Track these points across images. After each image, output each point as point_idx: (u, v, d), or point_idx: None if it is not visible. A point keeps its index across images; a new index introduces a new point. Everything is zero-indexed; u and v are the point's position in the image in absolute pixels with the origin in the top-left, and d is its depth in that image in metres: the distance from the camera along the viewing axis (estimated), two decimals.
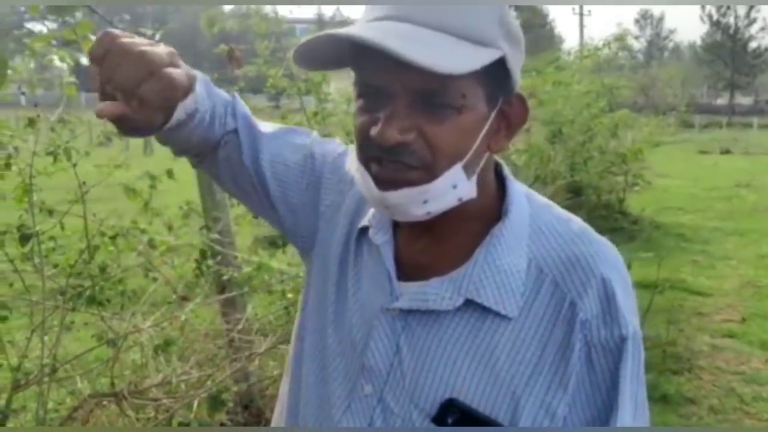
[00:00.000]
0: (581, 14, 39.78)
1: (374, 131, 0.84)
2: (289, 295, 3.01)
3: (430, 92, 0.82)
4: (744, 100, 65.55)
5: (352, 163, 0.94)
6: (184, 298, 3.10)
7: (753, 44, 64.42)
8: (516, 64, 0.89)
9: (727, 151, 25.48)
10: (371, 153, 0.87)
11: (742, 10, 63.15)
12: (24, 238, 2.52)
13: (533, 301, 0.89)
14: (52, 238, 2.61)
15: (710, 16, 64.08)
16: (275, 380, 3.31)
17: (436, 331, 0.91)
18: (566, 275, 0.89)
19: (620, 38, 8.77)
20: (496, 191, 0.96)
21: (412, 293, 0.92)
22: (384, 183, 0.86)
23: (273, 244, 3.29)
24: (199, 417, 2.83)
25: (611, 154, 9.18)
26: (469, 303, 0.90)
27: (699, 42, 71.17)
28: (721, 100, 63.98)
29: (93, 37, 2.00)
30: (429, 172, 0.85)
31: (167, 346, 2.69)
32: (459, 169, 0.86)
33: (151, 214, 3.01)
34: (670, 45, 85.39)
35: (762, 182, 14.83)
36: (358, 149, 0.90)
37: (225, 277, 3.04)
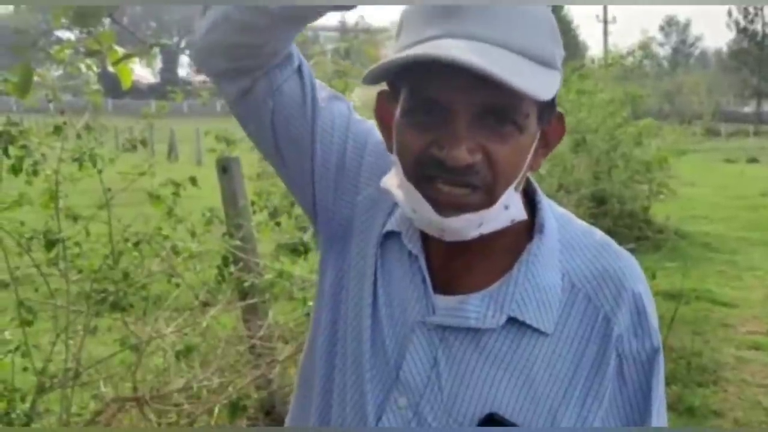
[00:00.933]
0: (605, 21, 39.51)
1: (441, 153, 0.81)
2: (311, 303, 3.02)
3: (498, 109, 0.81)
4: None
5: (391, 179, 0.91)
6: (206, 304, 3.12)
7: None
8: (559, 81, 0.88)
9: (753, 160, 25.15)
10: (431, 172, 0.83)
11: None
12: (50, 244, 2.56)
13: (568, 316, 0.91)
14: (77, 243, 2.65)
15: (737, 23, 63.41)
16: None
17: (475, 346, 0.91)
18: (598, 289, 0.91)
19: (645, 46, 8.73)
20: (525, 205, 0.95)
21: (452, 309, 0.92)
22: (445, 207, 0.83)
23: (295, 251, 3.30)
24: (220, 423, 2.84)
25: (635, 163, 9.10)
26: (509, 320, 0.90)
27: (725, 49, 70.51)
28: (748, 108, 63.21)
29: (117, 47, 2.04)
30: (490, 194, 0.84)
31: (189, 352, 2.71)
32: (512, 191, 0.86)
33: (175, 220, 3.04)
34: (696, 52, 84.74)
35: None
36: (410, 168, 0.86)
37: (247, 284, 3.06)
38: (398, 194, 0.89)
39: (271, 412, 3.33)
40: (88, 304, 2.60)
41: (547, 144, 0.92)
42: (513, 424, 0.89)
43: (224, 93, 1.02)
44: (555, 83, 0.83)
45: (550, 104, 0.88)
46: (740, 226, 10.50)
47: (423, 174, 0.84)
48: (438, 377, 0.91)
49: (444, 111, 0.81)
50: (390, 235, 0.99)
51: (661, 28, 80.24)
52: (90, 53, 2.32)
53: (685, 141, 11.47)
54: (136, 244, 2.68)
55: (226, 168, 3.48)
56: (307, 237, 3.33)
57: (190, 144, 20.47)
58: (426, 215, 0.85)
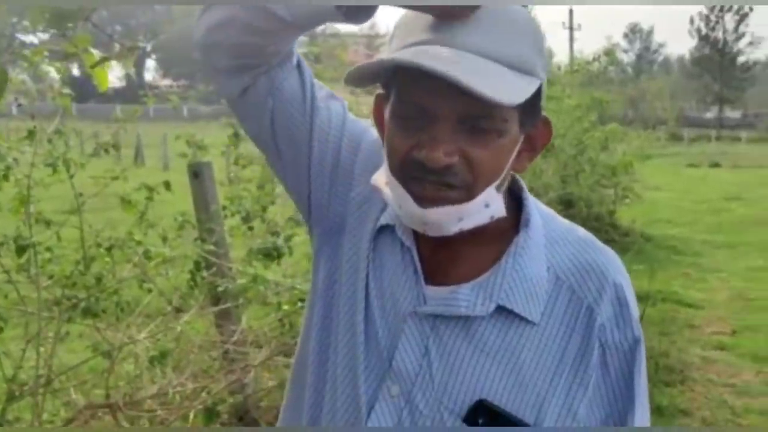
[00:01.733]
0: (571, 28, 39.99)
1: (420, 154, 0.86)
2: (285, 307, 3.02)
3: (477, 116, 0.85)
4: (733, 113, 66.06)
5: (380, 177, 0.95)
6: (179, 310, 3.10)
7: (741, 58, 65.05)
8: (545, 88, 0.93)
9: (716, 165, 25.68)
10: (412, 173, 0.88)
11: (730, 25, 63.81)
12: (20, 249, 2.53)
13: (553, 307, 0.95)
14: (48, 249, 2.61)
15: (699, 30, 64.65)
16: (270, 392, 3.31)
17: (465, 334, 0.94)
18: (582, 282, 0.96)
19: (610, 52, 8.87)
20: (510, 202, 1.00)
21: (442, 299, 0.95)
22: (425, 201, 0.88)
23: (268, 255, 3.29)
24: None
25: (602, 167, 9.25)
26: (498, 309, 0.93)
27: (687, 56, 71.88)
28: (710, 114, 64.47)
29: (93, 50, 2.03)
30: (468, 192, 0.88)
31: (163, 357, 2.69)
32: (493, 190, 0.90)
33: (146, 225, 3.01)
34: (659, 59, 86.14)
35: (750, 196, 14.96)
36: (395, 167, 0.91)
37: (221, 288, 3.04)
38: (386, 191, 0.94)
39: (245, 417, 3.31)
40: (59, 310, 2.57)
41: (533, 147, 0.96)
42: (502, 410, 0.92)
43: (224, 90, 1.04)
44: (529, 89, 0.86)
45: (534, 109, 0.92)
46: (704, 230, 10.72)
47: (407, 173, 0.89)
48: (429, 365, 0.94)
49: (426, 115, 0.86)
50: (383, 229, 1.02)
51: (625, 35, 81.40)
52: (65, 56, 2.30)
53: (649, 146, 11.68)
54: (109, 249, 2.66)
55: (197, 173, 3.46)
56: (280, 241, 3.33)
57: (155, 149, 20.24)
58: (410, 209, 0.90)
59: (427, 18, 0.87)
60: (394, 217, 1.00)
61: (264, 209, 3.63)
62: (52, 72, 2.68)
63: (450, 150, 0.86)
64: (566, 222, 1.04)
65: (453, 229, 0.90)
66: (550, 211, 1.04)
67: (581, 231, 1.02)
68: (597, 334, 0.93)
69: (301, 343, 1.11)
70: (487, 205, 0.90)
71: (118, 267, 2.88)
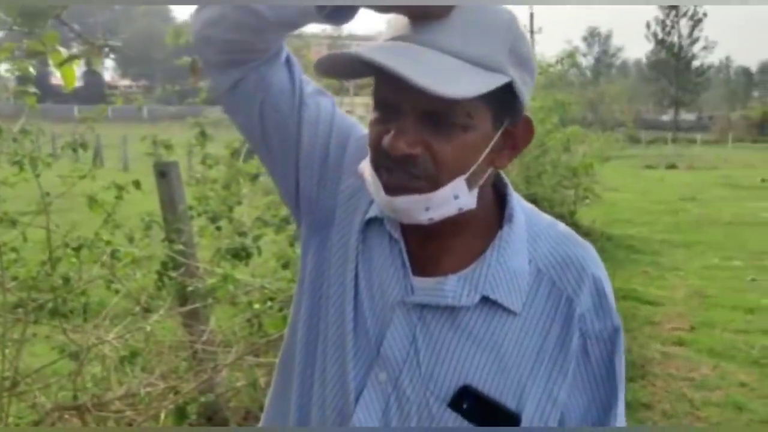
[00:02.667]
0: (532, 31, 40.43)
1: (385, 141, 0.90)
2: (256, 306, 3.02)
3: (438, 112, 0.89)
4: (688, 116, 67.53)
5: (365, 166, 0.99)
6: (147, 310, 3.07)
7: (696, 63, 66.56)
8: (525, 88, 0.95)
9: (672, 166, 26.27)
10: (381, 162, 0.93)
11: (685, 30, 65.23)
12: None
13: (534, 298, 0.99)
14: (14, 249, 2.57)
15: (655, 35, 65.95)
16: (239, 392, 3.30)
17: (451, 324, 0.98)
18: (562, 274, 1.00)
19: (571, 55, 9.01)
20: (494, 197, 1.04)
21: (429, 289, 0.98)
22: (392, 189, 0.92)
23: (236, 256, 3.28)
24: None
25: (563, 168, 9.40)
26: (482, 299, 0.97)
27: (644, 60, 73.25)
28: (666, 117, 65.78)
29: (61, 48, 2.01)
30: (432, 183, 0.92)
31: (133, 357, 2.67)
32: (461, 182, 0.93)
33: (112, 225, 2.98)
34: (617, 62, 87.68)
35: (705, 196, 15.36)
36: (371, 156, 0.96)
37: (190, 289, 3.03)
38: (367, 180, 0.97)
39: (214, 417, 3.30)
40: (24, 311, 2.53)
41: (514, 145, 0.99)
42: (485, 396, 0.96)
43: (215, 83, 1.07)
44: (489, 85, 0.88)
45: (509, 106, 0.95)
46: (662, 229, 10.95)
47: (378, 162, 0.94)
48: (416, 353, 0.98)
49: (394, 109, 0.91)
50: (371, 222, 1.05)
51: (584, 39, 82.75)
52: (30, 54, 2.28)
53: (609, 148, 11.89)
54: (77, 249, 2.62)
55: (164, 172, 3.43)
56: (248, 241, 3.33)
57: (114, 150, 19.91)
58: (381, 197, 0.94)
59: (405, 18, 0.91)
60: (381, 209, 1.03)
61: (230, 209, 3.61)
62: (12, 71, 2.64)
63: (411, 141, 0.89)
64: (547, 218, 1.08)
65: (422, 217, 0.94)
66: (533, 208, 1.08)
67: (561, 226, 1.06)
68: (577, 323, 0.98)
69: (288, 335, 1.14)
70: (456, 197, 0.93)
71: (85, 267, 2.84)
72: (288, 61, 1.07)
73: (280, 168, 1.10)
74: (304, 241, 1.13)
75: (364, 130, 1.09)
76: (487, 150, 0.94)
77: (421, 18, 0.89)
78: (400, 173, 0.91)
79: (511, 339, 0.97)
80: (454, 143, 0.90)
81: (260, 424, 1.21)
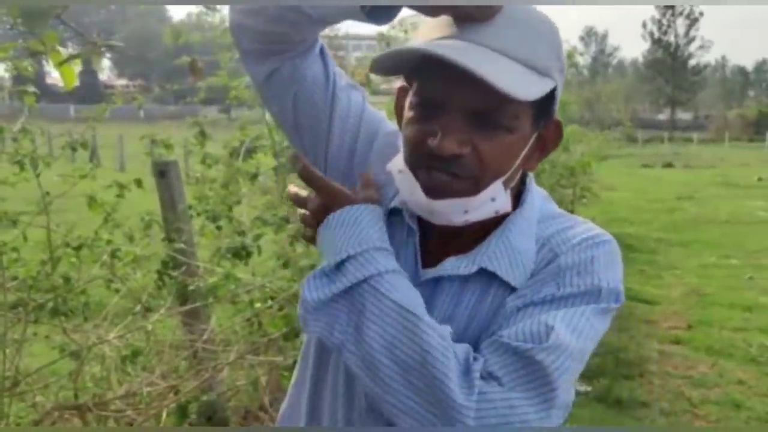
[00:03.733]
0: None
1: (433, 142, 0.89)
2: (257, 305, 3.02)
3: (487, 111, 0.89)
4: (684, 115, 67.62)
5: (395, 165, 0.98)
6: (148, 309, 3.07)
7: (692, 62, 66.65)
8: (560, 92, 0.96)
9: (669, 165, 26.29)
10: (423, 161, 0.92)
11: (681, 29, 65.30)
12: None
13: (534, 270, 0.98)
14: (15, 249, 2.57)
15: (651, 34, 66.02)
16: (238, 391, 3.30)
17: (455, 305, 0.98)
18: (561, 242, 0.98)
19: (570, 55, 9.03)
20: (517, 193, 1.04)
21: (432, 271, 1.00)
22: (432, 191, 0.92)
23: (236, 255, 3.29)
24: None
25: (561, 168, 9.41)
26: (483, 273, 0.97)
27: (641, 59, 73.34)
28: (663, 116, 65.85)
29: (60, 48, 2.01)
30: (475, 185, 0.92)
31: (135, 356, 2.67)
32: (500, 185, 0.94)
33: (112, 225, 2.98)
34: (614, 62, 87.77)
35: (702, 195, 15.38)
36: (408, 155, 0.95)
37: (191, 288, 3.03)
38: (398, 179, 0.97)
39: (213, 417, 3.30)
40: (25, 311, 2.53)
41: (544, 148, 1.01)
42: None
43: (252, 74, 1.09)
44: (542, 89, 0.90)
45: (547, 110, 0.96)
46: (659, 228, 10.98)
47: (418, 162, 0.93)
48: None
49: (440, 107, 0.90)
50: (392, 213, 1.05)
51: (581, 38, 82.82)
52: (29, 54, 2.27)
53: (607, 147, 11.90)
54: (77, 249, 2.62)
55: (163, 172, 3.43)
56: (248, 240, 3.33)
57: (110, 149, 19.86)
58: (418, 198, 0.94)
59: (449, 18, 0.91)
60: (400, 200, 1.04)
61: (230, 209, 3.62)
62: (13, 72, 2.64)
63: (462, 140, 0.89)
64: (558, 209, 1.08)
65: (458, 220, 0.94)
66: (547, 195, 1.09)
67: (575, 216, 1.05)
68: (555, 274, 0.95)
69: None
70: (493, 199, 0.94)
71: (85, 267, 2.84)
72: (322, 53, 1.09)
73: (310, 157, 1.12)
74: None
75: (392, 125, 1.11)
76: (524, 153, 0.95)
77: (466, 20, 0.89)
78: (443, 174, 0.91)
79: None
80: (498, 145, 0.91)
81: (281, 409, 1.22)
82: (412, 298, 0.91)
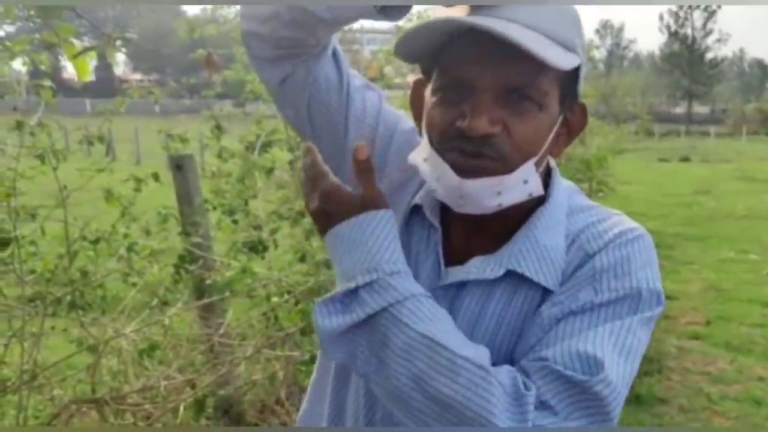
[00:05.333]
0: None
1: (462, 123, 0.87)
2: (273, 299, 3.02)
3: (519, 87, 0.87)
4: (701, 109, 67.08)
5: (419, 154, 0.95)
6: (164, 303, 3.08)
7: (709, 55, 66.12)
8: (583, 73, 0.94)
9: (685, 159, 26.06)
10: (453, 143, 0.89)
11: (699, 22, 64.74)
12: (2, 243, 2.49)
13: (569, 273, 0.94)
14: (32, 242, 2.58)
15: (668, 27, 65.52)
16: (254, 385, 3.31)
17: (480, 308, 0.96)
18: (592, 239, 0.95)
19: (588, 48, 8.96)
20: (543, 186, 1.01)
21: (456, 271, 0.97)
22: (464, 171, 0.88)
23: (253, 249, 3.28)
24: (182, 422, 2.81)
25: (577, 162, 9.35)
26: (510, 274, 0.94)
27: (657, 52, 72.77)
28: (679, 109, 65.36)
29: (74, 41, 2.00)
30: (506, 165, 0.89)
31: (152, 350, 2.68)
32: (531, 166, 0.91)
33: (129, 218, 2.98)
34: (630, 55, 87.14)
35: (720, 189, 15.22)
36: (435, 140, 0.92)
37: (208, 282, 3.03)
38: (424, 167, 0.94)
39: (229, 411, 3.30)
40: (43, 305, 2.53)
41: (570, 132, 0.98)
42: None
43: (265, 78, 1.07)
44: (572, 62, 0.87)
45: (573, 89, 0.93)
46: (676, 223, 10.88)
47: (447, 144, 0.90)
48: None
49: (468, 87, 0.88)
50: (414, 212, 1.04)
51: (597, 32, 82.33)
52: (44, 47, 2.27)
53: (623, 140, 11.81)
54: (94, 243, 2.63)
55: (180, 165, 3.43)
56: (265, 235, 3.33)
57: (126, 144, 19.97)
58: (449, 181, 0.90)
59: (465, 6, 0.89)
60: (424, 198, 1.02)
61: (246, 203, 3.62)
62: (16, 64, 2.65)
63: (493, 119, 0.86)
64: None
65: (492, 203, 0.90)
66: (575, 187, 1.06)
67: (604, 207, 1.02)
68: (590, 282, 0.91)
69: None
70: (525, 182, 0.91)
71: (102, 261, 2.84)
72: (335, 54, 1.07)
73: (328, 160, 1.08)
74: None
75: (410, 123, 1.09)
76: (552, 133, 0.93)
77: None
78: (473, 155, 0.88)
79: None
80: (530, 123, 0.88)
81: (302, 408, 1.21)
82: (439, 326, 0.86)
